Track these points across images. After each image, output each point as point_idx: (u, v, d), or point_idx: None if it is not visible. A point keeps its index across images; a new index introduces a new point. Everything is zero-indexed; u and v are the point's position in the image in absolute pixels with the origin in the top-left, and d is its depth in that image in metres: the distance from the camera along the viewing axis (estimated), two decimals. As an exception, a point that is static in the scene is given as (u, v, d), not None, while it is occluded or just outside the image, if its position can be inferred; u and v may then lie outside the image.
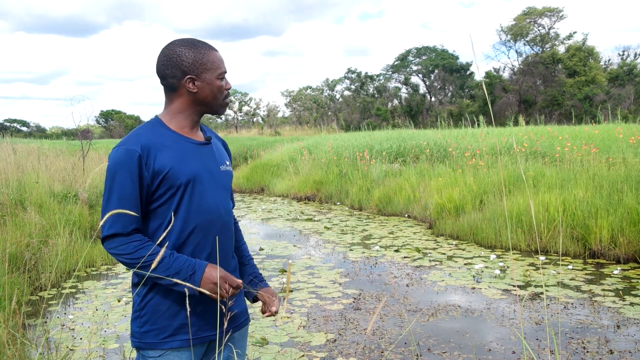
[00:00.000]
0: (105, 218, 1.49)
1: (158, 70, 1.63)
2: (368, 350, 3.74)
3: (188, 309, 1.51)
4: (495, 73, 37.70)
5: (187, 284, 1.49)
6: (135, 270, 1.52)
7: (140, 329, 1.59)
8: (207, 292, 1.51)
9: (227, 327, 1.67)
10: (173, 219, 1.56)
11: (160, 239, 1.52)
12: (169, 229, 1.55)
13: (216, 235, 1.64)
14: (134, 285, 1.62)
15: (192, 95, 1.62)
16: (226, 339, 1.69)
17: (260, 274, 1.87)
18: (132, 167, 1.51)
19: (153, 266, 1.46)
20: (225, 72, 1.67)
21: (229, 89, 1.69)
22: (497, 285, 5.20)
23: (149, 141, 1.55)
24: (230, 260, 1.73)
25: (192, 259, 1.55)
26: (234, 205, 1.88)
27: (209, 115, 51.46)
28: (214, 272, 1.54)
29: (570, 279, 5.34)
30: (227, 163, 1.76)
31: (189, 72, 1.60)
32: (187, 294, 1.51)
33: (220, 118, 53.16)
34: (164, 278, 1.50)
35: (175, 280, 1.49)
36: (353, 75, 44.00)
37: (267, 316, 1.76)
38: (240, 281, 1.60)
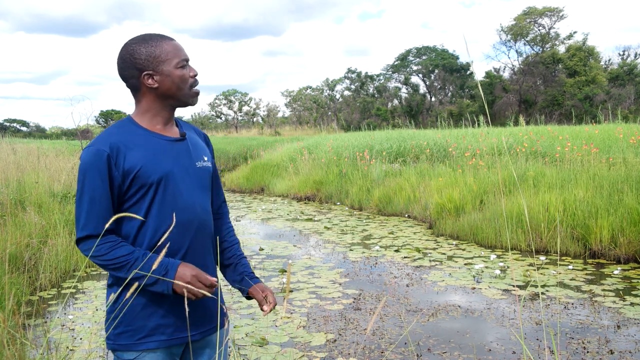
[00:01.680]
0: (110, 222, 1.46)
1: (119, 73, 1.61)
2: (368, 350, 3.73)
3: (187, 309, 1.49)
4: (495, 73, 37.67)
5: (160, 284, 1.47)
6: (109, 271, 1.51)
7: (114, 330, 1.56)
8: (181, 292, 1.48)
9: (205, 328, 1.65)
10: (146, 219, 1.54)
11: (163, 241, 1.50)
12: (161, 228, 1.53)
13: (193, 234, 1.60)
14: (109, 286, 1.59)
15: (154, 91, 1.58)
16: (226, 340, 1.68)
17: (252, 272, 1.80)
18: (102, 167, 1.49)
19: (116, 266, 1.46)
20: (186, 59, 1.60)
21: (194, 76, 1.62)
22: (497, 286, 5.20)
23: (119, 140, 1.53)
24: (206, 258, 1.66)
25: (165, 258, 1.51)
26: (224, 199, 1.83)
27: (210, 115, 51.87)
28: (187, 271, 1.51)
29: (571, 279, 5.34)
30: (206, 159, 1.69)
31: (144, 68, 1.56)
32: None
33: (220, 118, 53.16)
34: (141, 278, 1.47)
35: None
36: (353, 75, 43.96)
37: (269, 310, 1.70)
38: (215, 279, 1.56)
